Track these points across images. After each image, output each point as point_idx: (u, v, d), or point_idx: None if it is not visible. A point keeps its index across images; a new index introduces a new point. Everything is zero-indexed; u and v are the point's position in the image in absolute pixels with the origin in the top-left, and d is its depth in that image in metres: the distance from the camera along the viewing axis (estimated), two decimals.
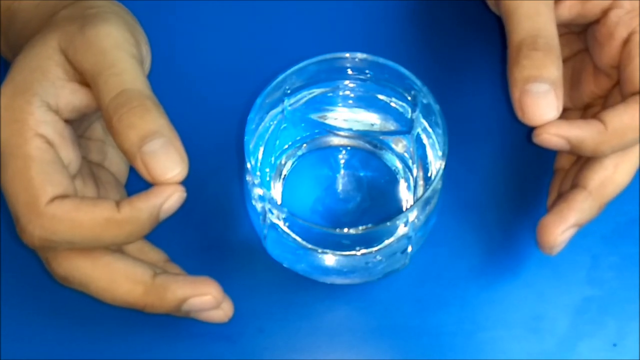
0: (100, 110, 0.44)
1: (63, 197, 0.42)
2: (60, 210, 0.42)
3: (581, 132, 0.45)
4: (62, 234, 0.42)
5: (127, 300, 0.44)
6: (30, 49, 0.45)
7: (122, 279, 0.44)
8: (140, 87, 0.44)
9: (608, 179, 0.46)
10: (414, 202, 0.45)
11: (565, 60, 0.50)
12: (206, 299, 0.45)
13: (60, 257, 0.44)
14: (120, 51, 0.44)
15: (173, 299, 0.44)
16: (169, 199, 0.43)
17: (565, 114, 0.45)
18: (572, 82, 0.50)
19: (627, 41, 0.47)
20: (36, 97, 0.44)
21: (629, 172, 0.47)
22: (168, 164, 0.43)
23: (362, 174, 0.50)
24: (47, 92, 0.44)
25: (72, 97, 0.45)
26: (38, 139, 0.43)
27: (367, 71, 0.48)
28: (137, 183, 0.45)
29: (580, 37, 0.51)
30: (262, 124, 0.48)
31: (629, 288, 0.50)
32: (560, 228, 0.46)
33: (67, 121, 0.45)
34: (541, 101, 0.44)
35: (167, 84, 0.52)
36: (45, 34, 0.45)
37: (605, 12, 0.47)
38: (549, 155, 0.50)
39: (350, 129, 0.50)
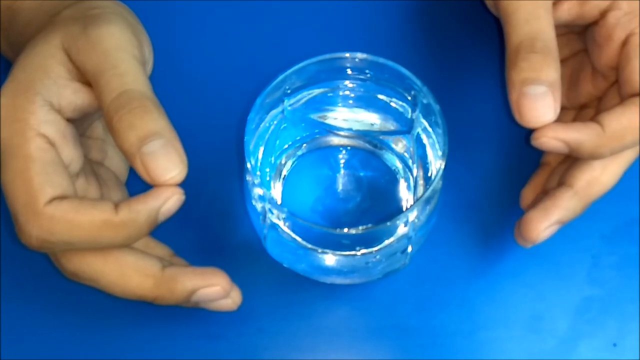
0: (101, 110, 0.44)
1: (62, 198, 0.43)
2: (59, 211, 0.42)
3: (579, 135, 0.45)
4: (60, 235, 0.42)
5: (137, 293, 0.44)
6: (32, 47, 0.45)
7: (132, 273, 0.44)
8: (142, 88, 0.44)
9: (595, 179, 0.47)
10: (414, 202, 0.45)
11: (565, 60, 0.50)
12: (215, 289, 0.45)
13: (70, 253, 0.44)
14: (122, 52, 0.44)
15: (183, 290, 0.44)
16: (167, 201, 0.43)
17: (561, 113, 0.45)
18: (570, 81, 0.50)
19: (625, 43, 0.47)
20: (38, 96, 0.44)
21: (616, 174, 0.47)
22: (167, 165, 0.43)
23: (362, 174, 0.50)
24: (50, 91, 0.44)
25: (74, 96, 0.45)
26: (39, 138, 0.43)
27: (367, 71, 0.48)
28: (137, 183, 0.45)
29: (580, 37, 0.51)
30: (262, 124, 0.48)
31: (629, 288, 0.50)
32: (544, 224, 0.46)
33: (69, 120, 0.45)
34: (538, 103, 0.44)
35: (167, 84, 0.52)
36: (48, 33, 0.45)
37: (603, 14, 0.47)
38: None
39: (350, 129, 0.50)
